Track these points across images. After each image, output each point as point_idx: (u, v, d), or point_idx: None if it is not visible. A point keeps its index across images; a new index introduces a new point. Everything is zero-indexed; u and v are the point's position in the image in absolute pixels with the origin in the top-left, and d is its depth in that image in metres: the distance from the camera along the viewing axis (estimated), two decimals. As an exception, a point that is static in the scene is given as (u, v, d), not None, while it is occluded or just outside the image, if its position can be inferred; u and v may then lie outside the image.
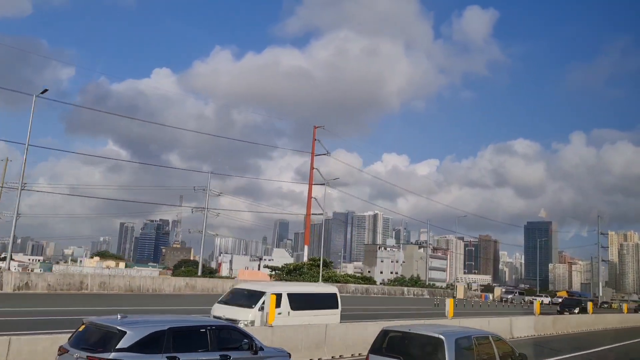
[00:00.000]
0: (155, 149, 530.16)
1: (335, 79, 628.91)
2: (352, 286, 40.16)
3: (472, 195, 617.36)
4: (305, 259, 55.01)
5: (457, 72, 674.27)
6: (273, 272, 48.10)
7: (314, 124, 52.56)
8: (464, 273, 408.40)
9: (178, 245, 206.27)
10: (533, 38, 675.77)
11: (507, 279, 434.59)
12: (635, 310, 48.74)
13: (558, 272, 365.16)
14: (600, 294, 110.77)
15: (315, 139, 54.46)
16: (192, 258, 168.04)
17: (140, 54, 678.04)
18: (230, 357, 7.76)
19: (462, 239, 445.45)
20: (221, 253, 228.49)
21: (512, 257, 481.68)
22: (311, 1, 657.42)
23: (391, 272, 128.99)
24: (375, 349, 8.29)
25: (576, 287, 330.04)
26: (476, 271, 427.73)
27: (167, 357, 7.08)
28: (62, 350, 7.36)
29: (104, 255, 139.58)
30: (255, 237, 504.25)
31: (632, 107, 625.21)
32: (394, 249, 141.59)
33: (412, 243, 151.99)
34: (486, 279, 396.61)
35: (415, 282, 69.03)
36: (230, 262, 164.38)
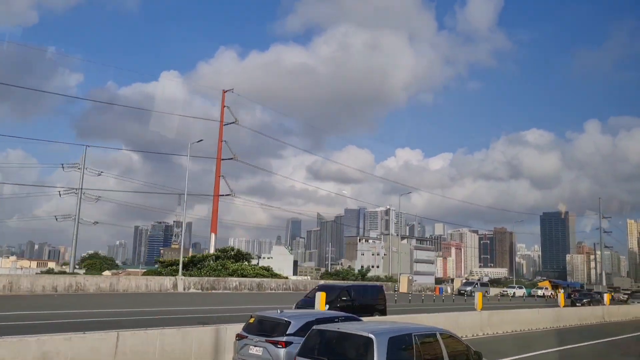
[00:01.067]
0: (166, 150, 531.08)
1: (340, 74, 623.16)
2: (234, 281, 34.26)
3: (486, 188, 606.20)
4: (211, 250, 49.36)
5: (463, 62, 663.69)
6: (163, 269, 42.23)
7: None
8: (480, 267, 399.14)
9: (177, 246, 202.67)
10: (538, 24, 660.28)
11: (524, 271, 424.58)
12: (573, 303, 41.75)
13: (576, 263, 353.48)
14: (604, 283, 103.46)
15: (225, 106, 49.03)
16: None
17: (146, 58, 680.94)
18: None
19: (476, 232, 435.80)
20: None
21: (530, 250, 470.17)
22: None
23: (372, 266, 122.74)
24: (303, 349, 7.60)
25: (594, 277, 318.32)
26: (492, 265, 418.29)
27: None
28: (240, 337, 9.39)
29: (93, 257, 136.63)
30: (270, 236, 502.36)
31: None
32: (376, 242, 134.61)
33: (391, 234, 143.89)
34: (502, 272, 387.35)
35: (363, 275, 62.68)
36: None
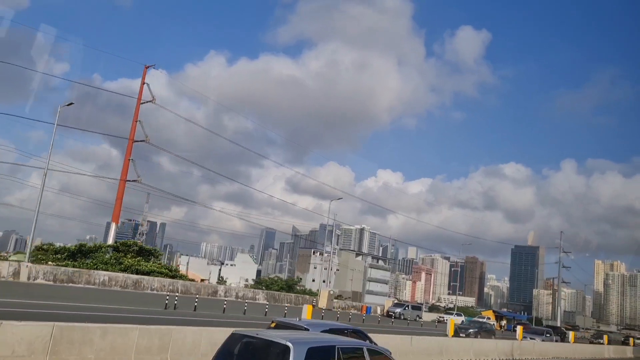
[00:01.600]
0: (146, 150, 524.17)
1: (327, 90, 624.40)
2: (102, 275, 30.11)
3: (461, 216, 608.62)
4: (110, 240, 45.41)
5: (448, 91, 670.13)
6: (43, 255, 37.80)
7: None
8: (448, 294, 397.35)
9: (140, 244, 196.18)
10: (523, 62, 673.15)
11: (492, 302, 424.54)
12: (456, 333, 36.41)
13: (542, 298, 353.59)
14: (559, 320, 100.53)
15: (145, 82, 45.77)
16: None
17: (135, 55, 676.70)
18: None
19: (448, 258, 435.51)
20: (181, 255, 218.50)
21: (500, 281, 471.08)
22: (303, 11, 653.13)
23: (324, 281, 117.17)
24: (220, 354, 7.11)
25: (558, 314, 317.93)
26: (460, 293, 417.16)
27: None
28: None
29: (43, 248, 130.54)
30: (244, 245, 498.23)
31: (619, 136, 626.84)
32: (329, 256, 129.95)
33: (348, 249, 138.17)
34: (470, 300, 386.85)
35: (289, 285, 58.50)
36: (187, 264, 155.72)
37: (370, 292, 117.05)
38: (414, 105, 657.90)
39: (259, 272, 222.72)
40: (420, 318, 54.39)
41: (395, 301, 67.23)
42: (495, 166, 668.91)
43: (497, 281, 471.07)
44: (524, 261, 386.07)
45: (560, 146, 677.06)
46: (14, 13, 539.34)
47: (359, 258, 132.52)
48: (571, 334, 42.81)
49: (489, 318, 67.20)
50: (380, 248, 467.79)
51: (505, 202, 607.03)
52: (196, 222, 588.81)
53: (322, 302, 45.47)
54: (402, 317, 49.83)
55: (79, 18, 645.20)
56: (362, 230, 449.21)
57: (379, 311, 55.87)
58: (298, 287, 60.87)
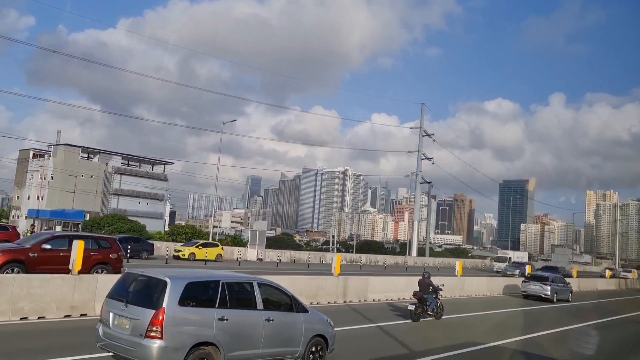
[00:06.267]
0: (122, 102, 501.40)
1: (294, 29, 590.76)
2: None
3: (451, 156, 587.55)
4: None
5: (418, 25, 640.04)
6: None
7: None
8: (436, 233, 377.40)
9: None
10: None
11: (484, 239, 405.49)
12: None
13: (530, 233, 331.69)
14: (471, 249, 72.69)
15: None
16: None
17: (102, 3, 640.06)
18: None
19: (434, 197, 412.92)
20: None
21: (495, 219, 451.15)
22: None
23: (38, 197, 75.28)
24: (111, 291, 7.54)
25: (547, 249, 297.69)
26: (449, 232, 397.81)
27: None
28: (525, 281, 28.97)
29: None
30: (237, 195, 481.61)
31: (594, 63, 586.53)
32: (46, 159, 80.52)
33: (73, 145, 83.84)
34: (458, 239, 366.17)
35: None
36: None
37: (123, 213, 70.57)
38: (387, 44, 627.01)
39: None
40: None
41: None
42: (480, 103, 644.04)
43: (494, 219, 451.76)
44: (512, 196, 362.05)
45: (545, 80, 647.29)
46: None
47: (96, 159, 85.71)
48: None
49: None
50: (369, 191, 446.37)
51: (494, 139, 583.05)
52: (196, 175, 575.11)
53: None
54: None
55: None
56: (344, 172, 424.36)
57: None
58: None
